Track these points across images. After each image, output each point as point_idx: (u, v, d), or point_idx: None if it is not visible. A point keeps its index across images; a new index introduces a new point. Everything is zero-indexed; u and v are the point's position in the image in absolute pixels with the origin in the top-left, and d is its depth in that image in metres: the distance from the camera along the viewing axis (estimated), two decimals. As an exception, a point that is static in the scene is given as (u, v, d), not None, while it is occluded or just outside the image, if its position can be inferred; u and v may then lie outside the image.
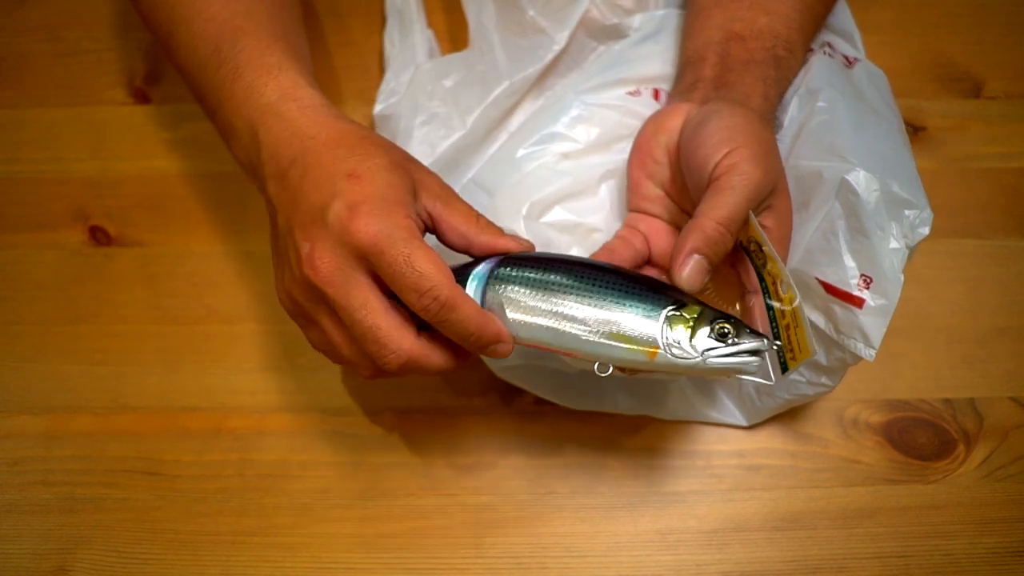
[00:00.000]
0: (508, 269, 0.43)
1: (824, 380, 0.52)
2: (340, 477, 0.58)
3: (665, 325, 0.41)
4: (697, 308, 0.41)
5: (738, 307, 0.47)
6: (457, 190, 0.55)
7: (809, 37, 0.53)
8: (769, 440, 0.58)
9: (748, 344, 0.40)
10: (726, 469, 0.58)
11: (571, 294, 0.42)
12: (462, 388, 0.60)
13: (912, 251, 0.46)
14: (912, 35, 0.69)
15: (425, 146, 0.56)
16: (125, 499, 0.57)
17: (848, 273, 0.46)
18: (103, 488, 0.57)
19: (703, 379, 0.57)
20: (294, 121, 0.43)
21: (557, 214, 0.51)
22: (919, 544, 0.55)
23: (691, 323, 0.41)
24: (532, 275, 0.43)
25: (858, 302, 0.46)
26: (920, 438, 0.58)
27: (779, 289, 0.42)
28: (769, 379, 0.43)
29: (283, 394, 0.60)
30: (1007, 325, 0.61)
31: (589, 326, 0.41)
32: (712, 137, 0.43)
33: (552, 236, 0.50)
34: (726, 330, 0.40)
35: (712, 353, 0.40)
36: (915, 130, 0.66)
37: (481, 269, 0.43)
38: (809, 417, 0.59)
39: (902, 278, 0.46)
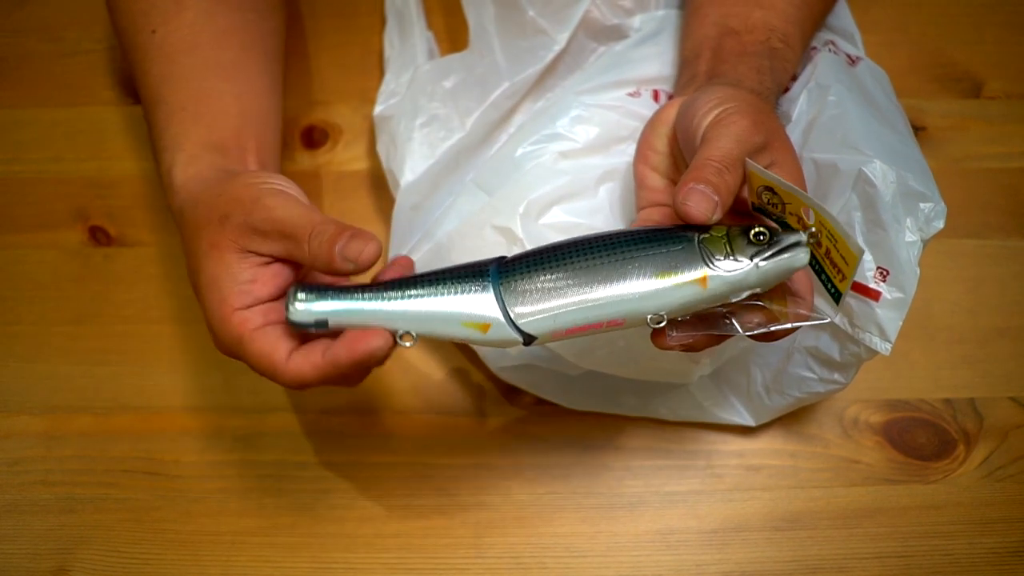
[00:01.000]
0: (516, 263, 0.41)
1: (837, 377, 0.52)
2: (340, 477, 0.58)
3: (703, 250, 0.39)
4: (722, 227, 0.40)
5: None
6: (457, 191, 0.55)
7: (807, 32, 0.53)
8: (769, 440, 0.58)
9: (790, 237, 0.39)
10: (726, 469, 0.58)
11: (598, 257, 0.40)
12: (462, 388, 0.60)
13: (925, 245, 0.46)
14: (912, 35, 0.69)
15: (425, 147, 0.56)
16: (125, 499, 0.57)
17: (865, 266, 0.46)
18: (103, 488, 0.57)
19: (714, 380, 0.56)
20: (177, 216, 0.47)
21: (555, 215, 0.51)
22: (919, 544, 0.55)
23: (724, 239, 0.39)
24: (547, 258, 0.40)
25: (874, 295, 0.46)
26: (920, 438, 0.58)
27: (805, 220, 0.40)
28: (830, 316, 0.41)
29: (283, 394, 0.60)
30: (1007, 325, 0.61)
31: (629, 280, 0.39)
32: (702, 108, 0.43)
33: (551, 238, 0.50)
34: (762, 233, 0.39)
35: (761, 256, 0.39)
36: (915, 130, 0.65)
37: (491, 272, 0.41)
38: (809, 417, 0.59)
39: (918, 271, 0.45)
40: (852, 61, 0.54)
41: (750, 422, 0.57)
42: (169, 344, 0.61)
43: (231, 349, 0.42)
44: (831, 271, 0.40)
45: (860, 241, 0.44)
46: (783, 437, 0.58)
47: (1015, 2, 0.70)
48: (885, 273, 0.46)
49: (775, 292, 0.41)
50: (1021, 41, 0.69)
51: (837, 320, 0.48)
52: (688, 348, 0.42)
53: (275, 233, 0.41)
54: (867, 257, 0.46)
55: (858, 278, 0.46)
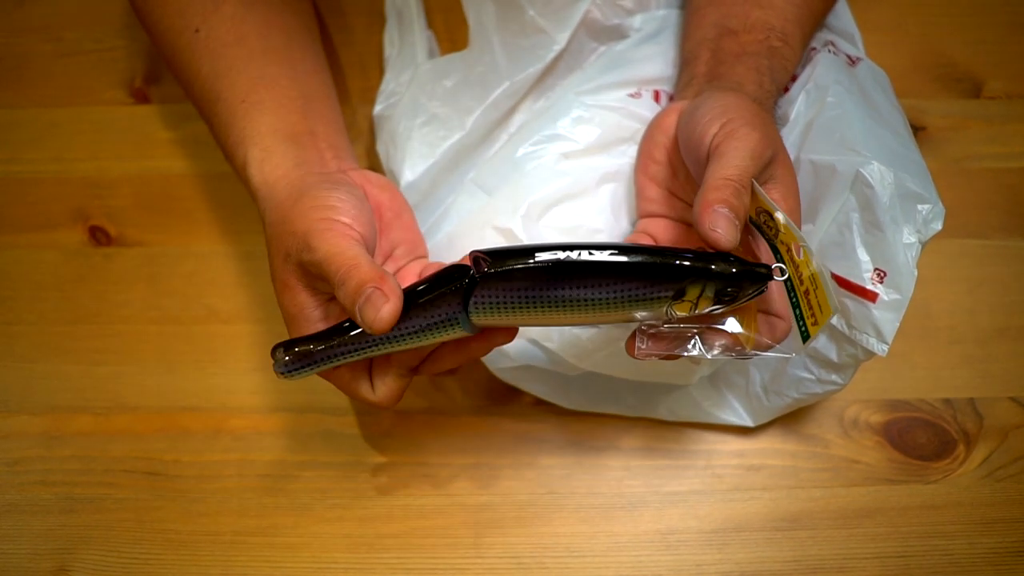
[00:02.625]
0: (485, 296, 0.40)
1: (834, 378, 0.52)
2: (340, 477, 0.58)
3: (669, 313, 0.40)
4: (697, 289, 0.39)
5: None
6: (457, 190, 0.55)
7: (807, 31, 0.53)
8: (769, 440, 0.58)
9: (752, 291, 0.40)
10: (726, 469, 0.58)
11: (571, 310, 0.40)
12: (462, 388, 0.60)
13: (923, 246, 0.46)
14: (912, 35, 0.69)
15: (425, 147, 0.56)
16: (125, 499, 0.57)
17: (862, 267, 0.46)
18: (103, 488, 0.58)
19: (709, 383, 0.56)
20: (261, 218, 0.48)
21: (556, 216, 0.51)
22: (919, 544, 0.55)
23: (693, 306, 0.40)
24: (520, 295, 0.40)
25: (871, 296, 0.46)
26: (920, 438, 0.58)
27: (794, 255, 0.41)
28: (790, 353, 0.42)
29: (283, 394, 0.60)
30: (1007, 325, 0.61)
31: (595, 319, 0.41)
32: (706, 116, 0.43)
33: (553, 238, 0.50)
34: (728, 296, 0.39)
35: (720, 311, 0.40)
36: (915, 130, 0.66)
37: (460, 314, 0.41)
38: (809, 417, 0.59)
39: (916, 273, 0.45)
40: (852, 62, 0.54)
41: (748, 423, 0.57)
42: (169, 344, 0.61)
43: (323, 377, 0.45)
44: (806, 311, 0.41)
45: (837, 300, 0.44)
46: (783, 437, 0.58)
47: (1015, 2, 0.70)
48: (882, 274, 0.46)
49: (748, 315, 0.42)
50: (1021, 41, 0.69)
51: (798, 357, 0.48)
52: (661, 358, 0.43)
53: (321, 277, 0.42)
54: (864, 258, 0.46)
55: (855, 279, 0.46)
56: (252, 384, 0.60)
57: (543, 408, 0.59)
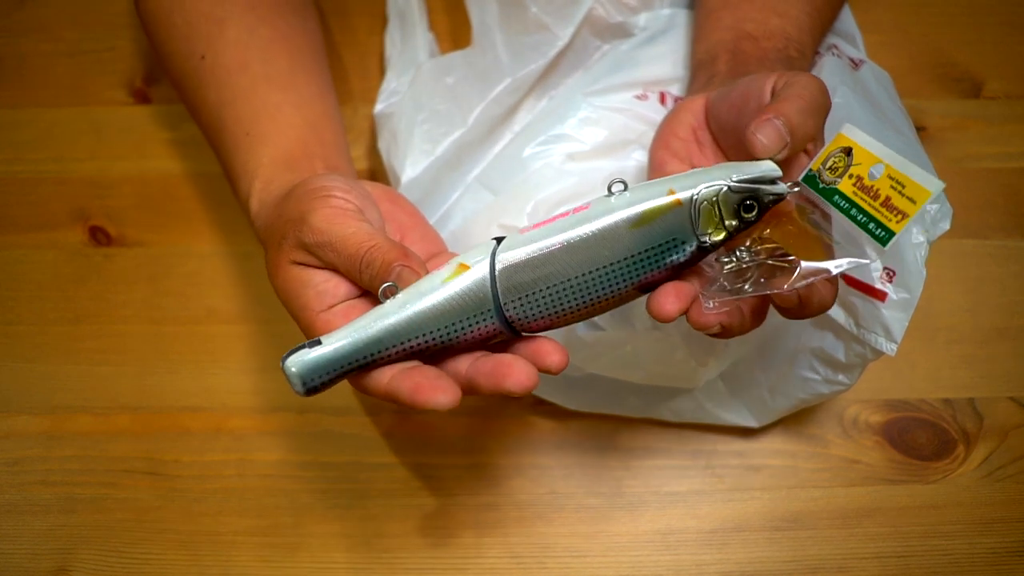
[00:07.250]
0: (509, 260, 0.38)
1: (841, 378, 0.52)
2: (340, 477, 0.58)
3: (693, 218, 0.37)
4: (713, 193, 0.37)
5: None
6: (461, 189, 0.55)
7: (818, 41, 0.53)
8: (769, 440, 0.58)
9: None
10: (726, 469, 0.58)
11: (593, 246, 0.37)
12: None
13: (931, 246, 0.46)
14: (912, 35, 0.69)
15: (426, 143, 0.56)
16: (125, 499, 0.57)
17: (871, 266, 0.46)
18: (103, 488, 0.57)
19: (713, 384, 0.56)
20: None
21: (562, 216, 0.51)
22: (919, 544, 0.55)
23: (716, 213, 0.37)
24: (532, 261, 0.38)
25: (881, 296, 0.46)
26: (920, 438, 0.58)
27: (866, 180, 0.39)
28: (867, 259, 0.40)
29: (283, 394, 0.60)
30: (1007, 325, 0.61)
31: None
32: (756, 78, 0.42)
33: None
34: (751, 203, 0.37)
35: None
36: (916, 130, 0.66)
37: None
38: (809, 417, 0.59)
39: (925, 272, 0.45)
40: (855, 64, 0.54)
41: (753, 423, 0.57)
42: (168, 344, 0.61)
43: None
44: (885, 215, 0.39)
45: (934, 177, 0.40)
46: (783, 437, 0.58)
47: (1015, 2, 0.70)
48: (892, 274, 0.46)
49: (808, 242, 0.40)
50: (1021, 41, 0.69)
51: (876, 263, 0.47)
52: (725, 330, 0.39)
53: (328, 258, 0.40)
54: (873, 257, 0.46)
55: (865, 279, 0.46)
56: (252, 384, 0.60)
57: (543, 408, 0.59)
